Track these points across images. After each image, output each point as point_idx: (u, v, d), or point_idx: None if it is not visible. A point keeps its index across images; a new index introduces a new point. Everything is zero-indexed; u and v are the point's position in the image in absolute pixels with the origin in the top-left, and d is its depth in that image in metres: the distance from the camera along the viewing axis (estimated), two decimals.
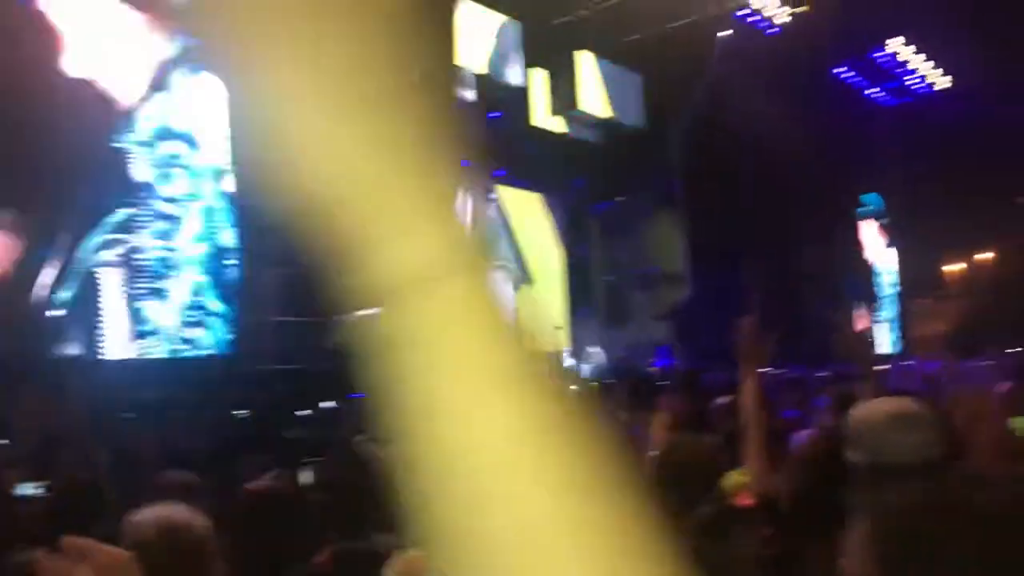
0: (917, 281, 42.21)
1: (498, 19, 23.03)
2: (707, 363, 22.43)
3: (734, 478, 2.87)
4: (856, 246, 37.08)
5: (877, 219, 38.82)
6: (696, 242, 26.95)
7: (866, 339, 2.59)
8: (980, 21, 40.30)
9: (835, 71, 34.49)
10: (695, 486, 2.42)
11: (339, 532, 2.57)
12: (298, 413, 9.18)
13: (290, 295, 16.48)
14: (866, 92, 37.02)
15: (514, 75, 23.78)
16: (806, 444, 2.71)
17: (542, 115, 25.27)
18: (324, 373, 14.91)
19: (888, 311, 38.74)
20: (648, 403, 5.03)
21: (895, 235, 39.70)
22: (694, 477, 2.44)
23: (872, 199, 37.75)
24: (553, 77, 25.45)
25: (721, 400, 4.99)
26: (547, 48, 24.71)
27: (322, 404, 9.43)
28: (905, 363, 22.67)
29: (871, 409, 2.09)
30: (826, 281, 33.08)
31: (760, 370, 3.05)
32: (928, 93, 39.02)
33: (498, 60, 23.18)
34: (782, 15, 26.50)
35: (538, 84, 25.11)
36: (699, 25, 26.56)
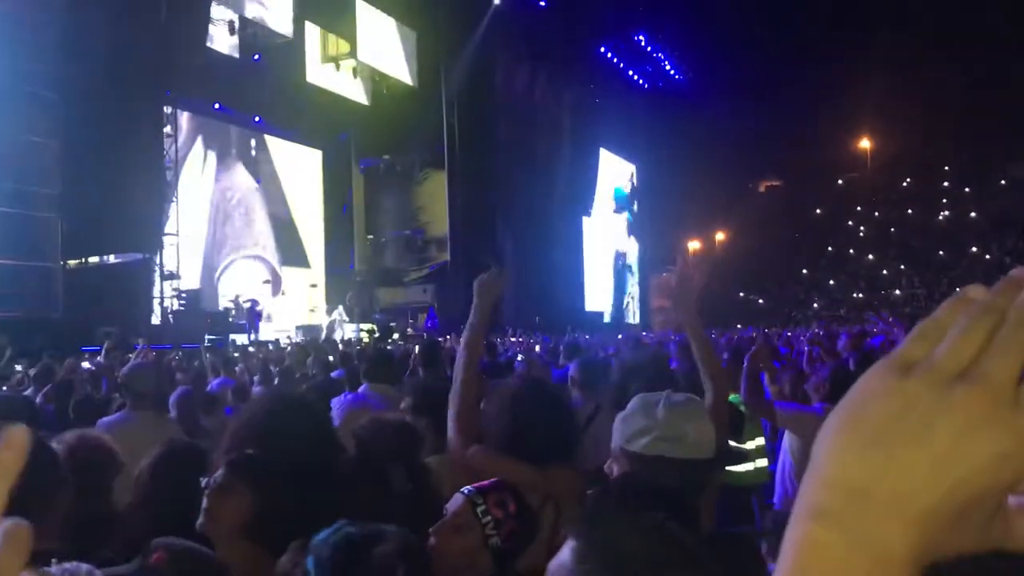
0: (656, 257, 45.40)
1: None
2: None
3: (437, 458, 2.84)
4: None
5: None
6: (459, 205, 27.24)
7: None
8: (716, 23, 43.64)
9: (599, 49, 35.94)
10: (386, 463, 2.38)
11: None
12: None
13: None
14: (626, 73, 38.92)
15: (281, 23, 22.73)
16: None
17: (313, 68, 24.52)
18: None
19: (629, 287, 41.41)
20: (393, 379, 4.99)
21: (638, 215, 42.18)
22: (382, 456, 2.40)
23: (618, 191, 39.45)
24: (330, 25, 24.62)
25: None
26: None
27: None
28: (640, 334, 24.30)
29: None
30: (573, 249, 34.67)
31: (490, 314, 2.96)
32: (680, 81, 41.76)
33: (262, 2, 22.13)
34: None
35: (310, 37, 24.26)
36: None
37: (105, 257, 18.36)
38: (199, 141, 23.13)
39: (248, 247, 24.61)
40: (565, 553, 1.19)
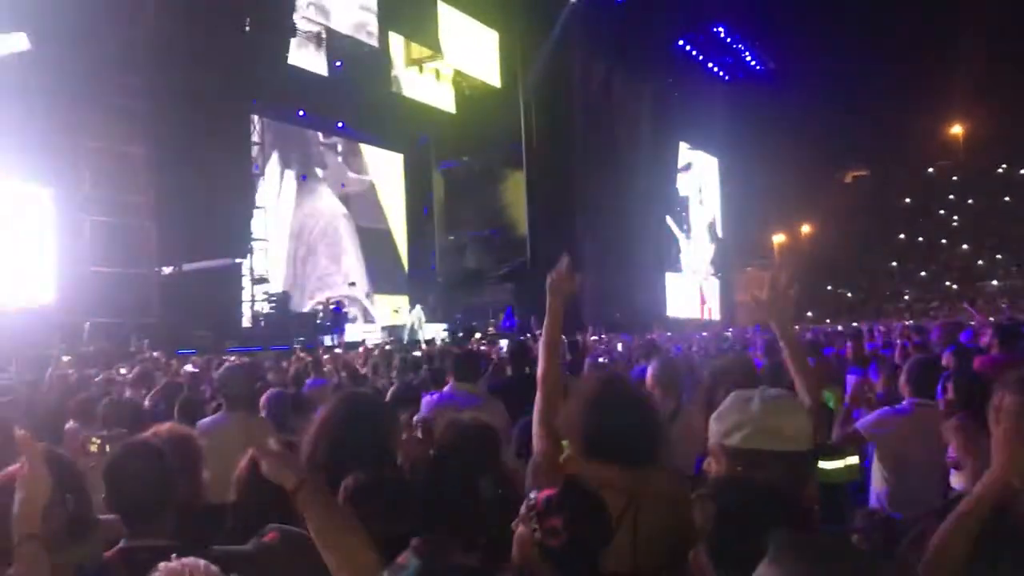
0: (743, 250, 44.64)
1: None
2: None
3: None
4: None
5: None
6: (538, 204, 27.29)
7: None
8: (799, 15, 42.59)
9: (677, 43, 35.48)
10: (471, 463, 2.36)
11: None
12: None
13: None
14: (706, 66, 38.34)
15: (366, 34, 23.13)
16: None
17: (397, 72, 24.88)
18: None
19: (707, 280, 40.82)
20: (472, 376, 5.06)
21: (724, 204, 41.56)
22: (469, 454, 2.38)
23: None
24: (413, 34, 25.00)
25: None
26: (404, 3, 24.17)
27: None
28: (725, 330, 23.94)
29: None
30: (658, 245, 34.38)
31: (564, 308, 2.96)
32: (762, 72, 40.95)
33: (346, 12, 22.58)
34: None
35: (394, 42, 24.59)
36: None
37: (197, 262, 18.98)
38: (275, 157, 23.55)
39: (337, 286, 24.63)
40: (763, 570, 1.24)
